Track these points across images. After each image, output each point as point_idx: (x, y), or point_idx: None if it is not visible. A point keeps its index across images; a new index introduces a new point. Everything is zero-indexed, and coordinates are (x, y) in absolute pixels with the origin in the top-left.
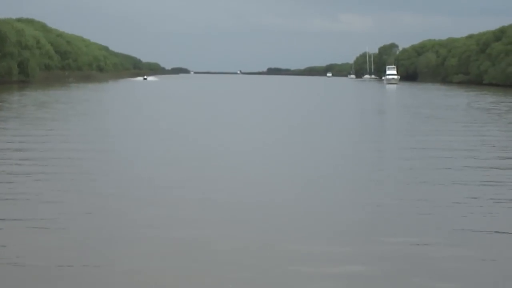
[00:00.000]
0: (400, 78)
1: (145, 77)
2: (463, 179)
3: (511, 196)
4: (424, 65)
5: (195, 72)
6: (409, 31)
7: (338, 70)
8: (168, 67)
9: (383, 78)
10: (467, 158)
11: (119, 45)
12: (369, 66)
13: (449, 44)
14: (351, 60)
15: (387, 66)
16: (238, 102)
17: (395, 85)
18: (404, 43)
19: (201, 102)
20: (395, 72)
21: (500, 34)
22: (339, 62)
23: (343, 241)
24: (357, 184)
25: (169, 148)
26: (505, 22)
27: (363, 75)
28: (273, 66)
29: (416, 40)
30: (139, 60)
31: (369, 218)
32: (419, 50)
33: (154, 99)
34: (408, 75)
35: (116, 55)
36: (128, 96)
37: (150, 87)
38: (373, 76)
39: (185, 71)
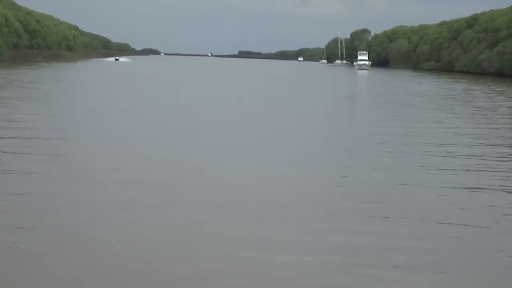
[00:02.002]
0: (372, 64)
1: (117, 57)
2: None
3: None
4: (396, 52)
5: (166, 54)
6: (382, 16)
7: (310, 55)
8: (138, 48)
9: (354, 63)
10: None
11: (89, 25)
12: (341, 51)
13: (421, 31)
14: (322, 45)
15: (359, 52)
16: (210, 87)
17: (366, 71)
18: (376, 29)
19: (178, 85)
20: (366, 58)
21: (472, 21)
22: (310, 46)
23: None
24: (324, 171)
25: (143, 131)
26: (477, 10)
27: (335, 60)
28: (244, 49)
29: (388, 26)
30: (109, 40)
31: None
32: (391, 36)
33: (134, 82)
34: (380, 61)
35: (86, 35)
36: (107, 79)
37: (124, 68)
38: (344, 61)
39: (155, 52)
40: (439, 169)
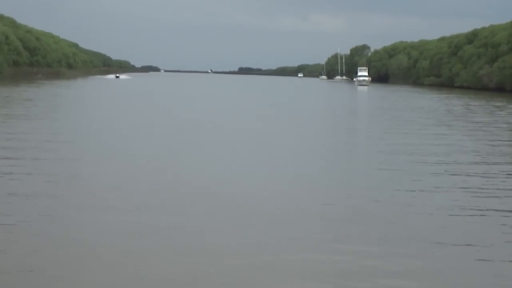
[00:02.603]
0: (372, 79)
1: (118, 75)
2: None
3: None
4: (396, 67)
5: (165, 71)
6: (381, 32)
7: (310, 71)
8: (138, 65)
9: (354, 79)
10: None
11: (89, 42)
12: (341, 67)
13: (421, 46)
14: (322, 61)
15: (359, 68)
16: (211, 103)
17: (366, 87)
18: (376, 45)
19: (180, 101)
20: (366, 73)
21: (472, 37)
22: (310, 62)
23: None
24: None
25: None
26: (477, 25)
27: (335, 76)
28: (244, 65)
29: (388, 42)
30: (109, 57)
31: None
32: (391, 51)
33: (136, 100)
34: (380, 77)
35: (86, 52)
36: (109, 97)
37: (125, 85)
38: (344, 77)
39: (155, 69)
40: (442, 188)
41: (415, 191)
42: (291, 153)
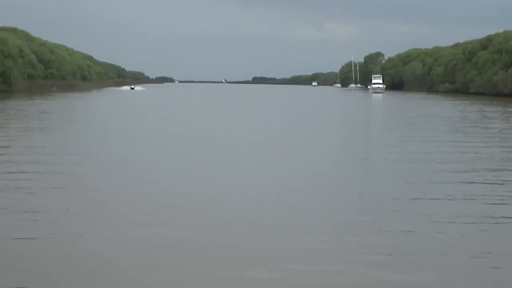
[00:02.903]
0: (386, 87)
1: (132, 86)
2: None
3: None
4: (410, 74)
5: (180, 81)
6: (395, 39)
7: (324, 79)
8: (152, 76)
9: (368, 87)
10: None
11: (103, 54)
12: (355, 75)
13: (435, 53)
14: (336, 69)
15: (373, 75)
16: (228, 112)
17: (380, 94)
18: (389, 52)
19: (197, 112)
20: (380, 81)
21: (486, 42)
22: (324, 71)
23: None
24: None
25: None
26: (491, 31)
27: (349, 84)
28: (258, 75)
29: (401, 49)
30: (123, 69)
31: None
32: (405, 59)
33: (154, 112)
34: (394, 84)
35: (100, 64)
36: (127, 109)
37: (140, 97)
38: (358, 85)
39: (169, 80)
40: (460, 198)
41: (431, 199)
42: (308, 162)
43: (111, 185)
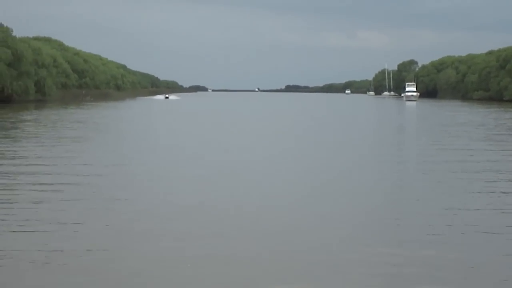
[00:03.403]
0: (420, 94)
1: (167, 95)
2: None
3: None
4: (444, 82)
5: (213, 90)
6: (428, 47)
7: (357, 87)
8: (186, 85)
9: (402, 95)
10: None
11: (137, 64)
12: (388, 83)
13: (469, 61)
14: (370, 77)
15: (407, 83)
16: (263, 120)
17: (414, 102)
18: (423, 60)
19: (231, 120)
20: (414, 88)
21: None
22: (357, 79)
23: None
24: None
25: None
26: None
27: (382, 92)
28: (291, 83)
29: (435, 57)
30: (157, 78)
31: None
32: (439, 66)
33: (191, 121)
34: (428, 92)
35: (134, 73)
36: (163, 118)
37: (176, 106)
38: (392, 93)
39: (202, 89)
40: (487, 206)
41: (460, 209)
42: (344, 169)
43: (143, 196)
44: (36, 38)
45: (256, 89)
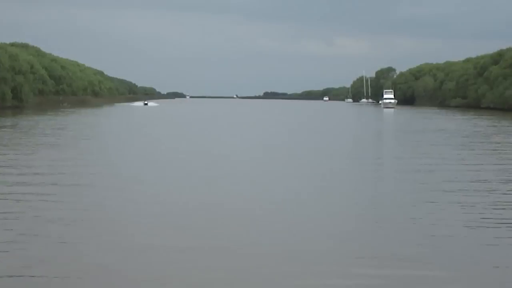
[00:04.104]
0: (398, 102)
1: (146, 102)
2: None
3: None
4: (422, 89)
5: (191, 97)
6: (406, 55)
7: (335, 94)
8: (164, 91)
9: (380, 102)
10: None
11: (114, 70)
12: (366, 90)
13: (447, 68)
14: (348, 84)
15: (385, 90)
16: (241, 129)
17: (392, 109)
18: (401, 67)
19: (212, 127)
20: (392, 96)
21: (498, 57)
22: (336, 86)
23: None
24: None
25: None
26: (500, 45)
27: (360, 99)
28: (269, 90)
29: (412, 64)
30: (134, 84)
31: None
32: (417, 73)
33: (171, 126)
34: (406, 99)
35: (111, 79)
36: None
37: (156, 112)
38: (370, 100)
39: (180, 95)
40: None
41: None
42: (316, 177)
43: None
44: (13, 44)
45: (235, 96)
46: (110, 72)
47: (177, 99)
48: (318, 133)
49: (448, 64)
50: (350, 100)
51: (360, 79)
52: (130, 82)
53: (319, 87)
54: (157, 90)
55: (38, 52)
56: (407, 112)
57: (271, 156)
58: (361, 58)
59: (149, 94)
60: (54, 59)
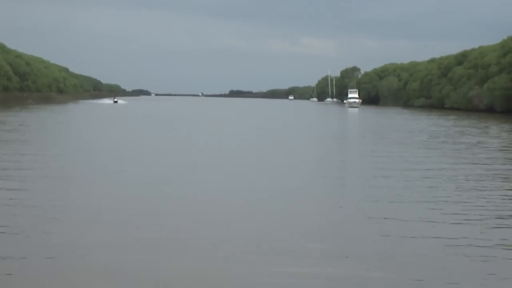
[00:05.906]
0: (362, 101)
1: (116, 99)
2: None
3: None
4: (386, 89)
5: (156, 94)
6: (371, 54)
7: (300, 93)
8: (129, 88)
9: (345, 101)
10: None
11: (79, 66)
12: (331, 90)
13: (411, 68)
14: (313, 83)
15: (349, 90)
16: (210, 125)
17: (356, 109)
18: (366, 67)
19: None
20: (356, 95)
21: (462, 58)
22: (301, 85)
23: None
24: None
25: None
26: (465, 46)
27: (325, 99)
28: (235, 88)
29: (378, 64)
30: (99, 81)
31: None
32: (381, 73)
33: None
34: (370, 99)
35: (76, 76)
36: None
37: (129, 111)
38: (335, 99)
39: (146, 93)
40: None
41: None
42: (279, 177)
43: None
44: None
45: (200, 94)
46: (75, 68)
47: (142, 96)
48: (283, 134)
49: (413, 64)
50: (315, 99)
51: (325, 79)
52: (95, 79)
53: (284, 86)
54: (122, 87)
55: (2, 48)
56: (372, 112)
57: (236, 155)
58: (326, 58)
59: (114, 91)
60: (19, 55)
